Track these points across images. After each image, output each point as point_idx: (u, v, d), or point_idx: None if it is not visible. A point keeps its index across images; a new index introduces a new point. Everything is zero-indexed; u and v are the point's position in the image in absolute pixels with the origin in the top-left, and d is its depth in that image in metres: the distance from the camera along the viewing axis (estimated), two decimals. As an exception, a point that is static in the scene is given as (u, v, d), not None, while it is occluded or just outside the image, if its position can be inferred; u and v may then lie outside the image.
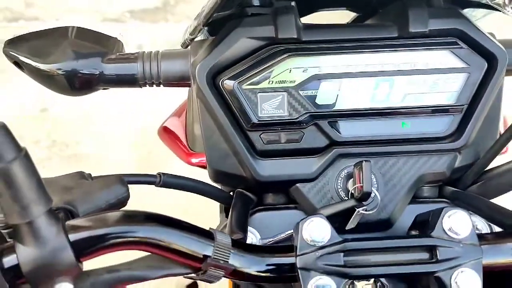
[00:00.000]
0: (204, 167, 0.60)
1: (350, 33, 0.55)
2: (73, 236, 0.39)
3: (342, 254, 0.44)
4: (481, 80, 0.55)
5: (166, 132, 0.73)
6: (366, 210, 0.53)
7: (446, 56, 0.54)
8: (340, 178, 0.56)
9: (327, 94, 0.54)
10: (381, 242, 0.45)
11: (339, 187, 0.56)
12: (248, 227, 0.55)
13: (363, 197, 0.50)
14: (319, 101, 0.54)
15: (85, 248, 0.39)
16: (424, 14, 0.54)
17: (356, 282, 0.54)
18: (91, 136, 2.00)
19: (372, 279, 0.54)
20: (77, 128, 2.02)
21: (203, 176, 0.60)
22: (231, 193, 0.59)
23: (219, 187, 0.60)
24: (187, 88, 0.81)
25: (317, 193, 0.56)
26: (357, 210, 0.52)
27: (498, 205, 0.53)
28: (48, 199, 0.37)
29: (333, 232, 0.44)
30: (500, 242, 0.46)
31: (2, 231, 0.41)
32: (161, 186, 0.55)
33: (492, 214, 0.52)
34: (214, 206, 0.65)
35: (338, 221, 0.53)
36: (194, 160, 0.64)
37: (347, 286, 0.54)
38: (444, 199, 0.58)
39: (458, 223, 0.44)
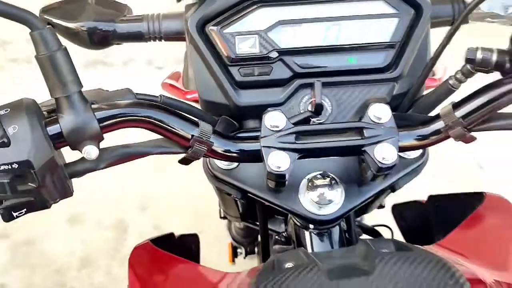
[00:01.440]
0: (196, 101, 0.75)
1: None
2: (97, 114, 0.55)
3: (294, 135, 0.59)
4: (411, 24, 0.70)
5: (166, 84, 0.90)
6: (320, 122, 0.68)
7: (381, 5, 0.70)
8: (302, 103, 0.71)
9: (289, 36, 0.70)
10: (323, 125, 0.60)
11: (301, 110, 0.71)
12: None
13: (317, 108, 0.65)
14: (283, 41, 0.70)
15: (105, 121, 0.55)
16: None
17: (314, 180, 0.69)
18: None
19: (328, 178, 0.68)
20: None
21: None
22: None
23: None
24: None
25: None
26: (312, 120, 0.67)
27: (426, 116, 0.68)
28: (80, 83, 0.53)
29: (288, 121, 0.60)
30: (412, 129, 0.61)
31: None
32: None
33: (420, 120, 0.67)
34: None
35: None
36: (188, 96, 0.80)
37: (308, 184, 0.69)
38: None
39: (380, 111, 0.59)
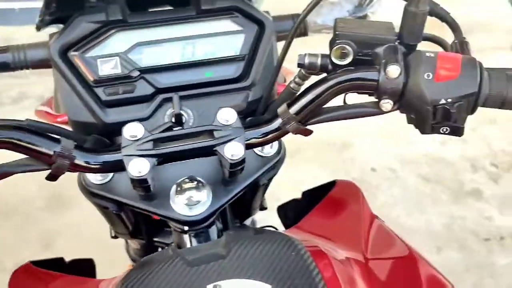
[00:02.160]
0: (67, 123, 0.79)
1: (163, 14, 0.79)
2: None
3: (152, 143, 0.65)
4: (256, 38, 0.80)
5: (38, 111, 0.93)
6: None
7: (229, 23, 0.79)
8: (166, 116, 0.77)
9: (149, 55, 0.76)
10: (177, 131, 0.67)
11: (166, 122, 0.77)
12: None
13: (177, 118, 0.72)
14: (143, 60, 0.76)
15: None
16: None
17: (183, 184, 0.74)
18: None
19: (196, 181, 0.75)
20: None
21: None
22: None
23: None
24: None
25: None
26: (174, 129, 0.73)
27: (270, 116, 0.76)
28: None
29: (145, 130, 0.66)
30: (257, 128, 0.69)
31: None
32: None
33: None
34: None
35: None
36: (59, 119, 0.84)
37: (177, 188, 0.74)
38: None
39: (227, 114, 0.67)
